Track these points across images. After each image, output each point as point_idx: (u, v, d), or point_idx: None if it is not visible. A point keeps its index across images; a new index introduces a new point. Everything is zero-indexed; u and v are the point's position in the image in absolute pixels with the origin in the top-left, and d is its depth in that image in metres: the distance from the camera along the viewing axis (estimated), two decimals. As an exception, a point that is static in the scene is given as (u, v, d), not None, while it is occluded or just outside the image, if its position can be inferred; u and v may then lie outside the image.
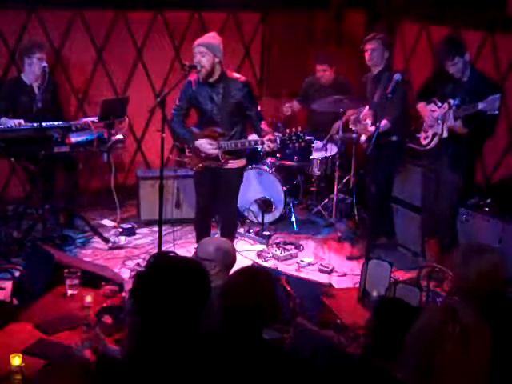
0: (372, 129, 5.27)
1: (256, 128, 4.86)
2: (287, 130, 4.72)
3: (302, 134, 4.68)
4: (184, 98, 4.83)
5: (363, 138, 5.48)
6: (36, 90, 5.53)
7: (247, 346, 2.39)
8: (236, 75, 4.82)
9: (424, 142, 5.01)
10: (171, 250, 5.17)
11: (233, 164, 4.87)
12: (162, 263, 2.28)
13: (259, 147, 4.85)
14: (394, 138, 5.22)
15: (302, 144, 4.80)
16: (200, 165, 4.89)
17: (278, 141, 4.69)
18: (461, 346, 1.94)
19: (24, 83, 5.60)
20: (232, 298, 2.43)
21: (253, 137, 4.97)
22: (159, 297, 2.17)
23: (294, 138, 4.68)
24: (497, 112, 4.44)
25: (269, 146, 4.71)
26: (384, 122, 5.03)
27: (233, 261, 3.56)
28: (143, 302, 2.22)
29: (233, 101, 4.73)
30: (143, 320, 2.22)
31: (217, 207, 5.23)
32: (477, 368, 1.95)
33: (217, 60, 4.65)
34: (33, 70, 5.50)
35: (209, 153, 4.80)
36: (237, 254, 3.73)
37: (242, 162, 4.97)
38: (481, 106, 4.44)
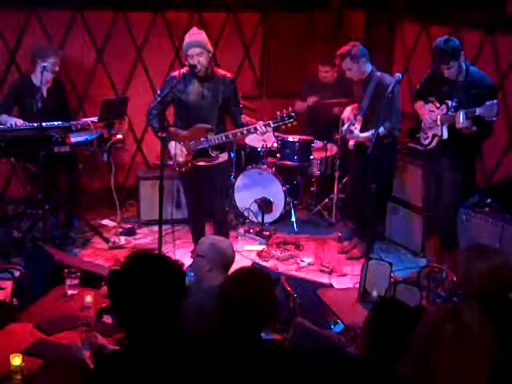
0: (363, 135, 5.16)
1: (237, 122, 4.86)
2: (278, 113, 4.67)
3: (293, 113, 4.64)
4: (169, 91, 4.69)
5: (351, 142, 5.35)
6: (44, 92, 5.52)
7: (245, 347, 2.39)
8: (222, 72, 4.84)
9: (424, 143, 5.00)
10: (168, 249, 5.20)
11: (218, 159, 4.87)
12: (135, 262, 2.26)
13: (253, 134, 4.83)
14: (386, 141, 5.16)
15: (295, 123, 4.74)
16: (189, 164, 4.86)
17: (272, 124, 4.66)
18: (460, 346, 1.94)
19: (33, 85, 5.57)
20: (230, 299, 2.42)
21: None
22: (130, 295, 2.16)
23: (286, 118, 4.64)
24: (495, 118, 4.36)
25: (263, 131, 4.68)
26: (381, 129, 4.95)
27: (230, 261, 3.54)
28: (116, 299, 2.21)
29: (222, 96, 4.76)
30: (117, 318, 2.21)
31: (209, 206, 5.22)
32: (477, 368, 1.95)
33: (210, 55, 4.70)
34: (45, 74, 5.47)
35: (177, 159, 4.78)
36: (236, 254, 3.71)
37: (225, 157, 4.96)
38: (478, 111, 4.37)
